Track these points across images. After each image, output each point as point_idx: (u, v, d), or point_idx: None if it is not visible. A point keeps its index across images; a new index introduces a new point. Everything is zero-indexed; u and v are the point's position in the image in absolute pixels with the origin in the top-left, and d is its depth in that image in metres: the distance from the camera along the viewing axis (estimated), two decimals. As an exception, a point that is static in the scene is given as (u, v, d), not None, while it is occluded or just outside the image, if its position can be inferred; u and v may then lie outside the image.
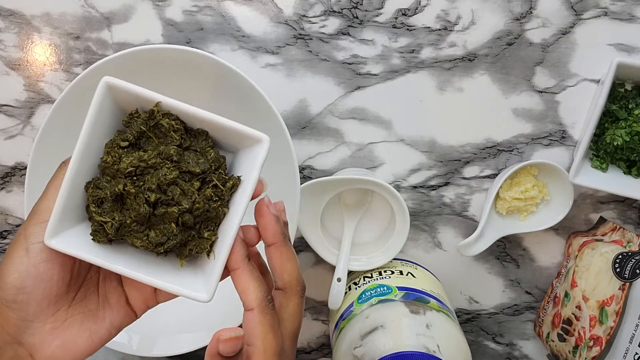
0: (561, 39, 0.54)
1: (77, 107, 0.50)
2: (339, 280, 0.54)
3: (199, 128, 0.34)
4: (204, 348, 0.52)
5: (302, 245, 0.60)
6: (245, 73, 0.47)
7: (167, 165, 0.32)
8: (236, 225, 0.32)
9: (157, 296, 0.36)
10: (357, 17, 0.55)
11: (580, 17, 0.54)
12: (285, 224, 0.37)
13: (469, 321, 0.62)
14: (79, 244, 0.32)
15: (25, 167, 0.55)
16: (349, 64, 0.56)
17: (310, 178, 0.58)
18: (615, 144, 0.51)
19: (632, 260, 0.49)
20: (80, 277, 0.34)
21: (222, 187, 0.33)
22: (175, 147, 0.33)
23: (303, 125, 0.57)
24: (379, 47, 0.55)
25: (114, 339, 0.52)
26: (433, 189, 0.58)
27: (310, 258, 0.60)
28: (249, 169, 0.33)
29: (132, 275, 0.32)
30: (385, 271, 0.54)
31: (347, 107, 0.57)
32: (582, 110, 0.55)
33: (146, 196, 0.32)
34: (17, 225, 0.61)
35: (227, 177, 0.34)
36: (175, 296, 0.34)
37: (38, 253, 0.31)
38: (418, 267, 0.57)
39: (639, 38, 0.53)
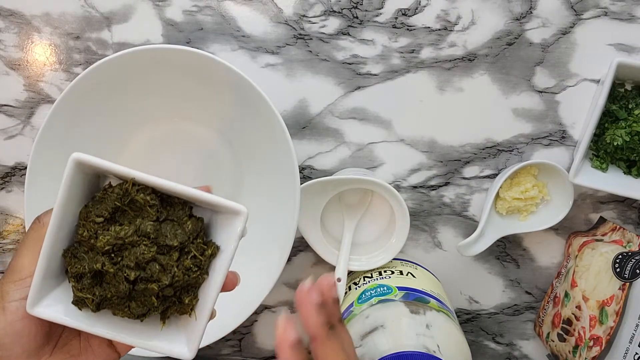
0: (561, 39, 0.54)
1: (77, 107, 0.50)
2: (339, 280, 0.54)
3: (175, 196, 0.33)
4: (204, 348, 0.53)
5: (302, 245, 0.60)
6: (245, 73, 0.47)
7: (144, 242, 0.32)
8: (215, 294, 0.33)
9: None
10: (357, 17, 0.55)
11: (580, 17, 0.54)
12: (335, 301, 0.33)
13: (469, 321, 0.62)
14: (61, 309, 0.32)
15: (25, 167, 0.55)
16: (349, 64, 0.56)
17: (310, 178, 0.58)
18: (615, 144, 0.51)
19: (632, 260, 0.49)
20: (59, 327, 0.34)
21: (200, 257, 0.33)
22: (151, 223, 0.32)
23: (303, 125, 0.57)
24: (379, 47, 0.55)
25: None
26: (433, 189, 0.58)
27: (310, 258, 0.60)
28: (227, 239, 0.33)
29: (118, 338, 0.33)
30: (385, 271, 0.54)
31: (347, 107, 0.57)
32: (582, 110, 0.55)
33: (125, 274, 0.32)
34: (17, 225, 0.61)
35: (205, 246, 0.33)
36: None
37: (14, 312, 0.31)
38: (418, 267, 0.57)
39: (639, 38, 0.53)
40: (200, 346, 0.51)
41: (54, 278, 0.33)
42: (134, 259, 0.32)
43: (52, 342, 0.34)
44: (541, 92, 0.55)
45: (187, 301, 0.33)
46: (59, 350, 0.34)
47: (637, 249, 0.51)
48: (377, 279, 0.53)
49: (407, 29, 0.55)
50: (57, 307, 0.32)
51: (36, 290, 0.31)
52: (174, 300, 0.34)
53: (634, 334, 0.47)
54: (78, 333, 0.35)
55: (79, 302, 0.33)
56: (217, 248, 0.33)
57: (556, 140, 0.56)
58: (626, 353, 0.47)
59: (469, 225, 0.59)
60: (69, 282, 0.33)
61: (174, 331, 0.34)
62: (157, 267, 0.32)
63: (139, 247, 0.32)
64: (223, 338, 0.51)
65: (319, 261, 0.60)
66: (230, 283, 0.35)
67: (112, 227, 0.32)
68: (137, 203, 0.32)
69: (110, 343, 0.36)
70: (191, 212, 0.34)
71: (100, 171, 0.32)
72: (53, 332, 0.34)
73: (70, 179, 0.31)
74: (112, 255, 0.32)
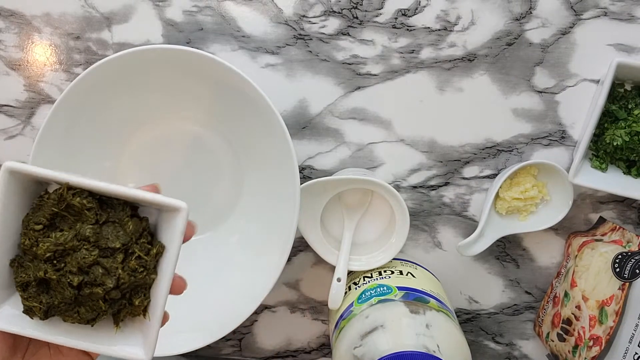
0: (561, 39, 0.54)
1: (77, 107, 0.50)
2: (338, 280, 0.54)
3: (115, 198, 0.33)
4: (204, 348, 0.53)
5: (302, 245, 0.60)
6: (245, 73, 0.47)
7: (85, 247, 0.32)
8: (165, 292, 0.32)
9: None
10: (357, 18, 0.55)
11: (580, 17, 0.54)
12: None
13: (469, 321, 0.62)
14: (14, 319, 0.32)
15: (26, 167, 0.55)
16: (349, 64, 0.56)
17: (310, 178, 0.58)
18: (614, 144, 0.51)
19: (632, 260, 0.49)
20: (24, 338, 0.34)
21: (145, 257, 0.33)
22: (90, 226, 0.32)
23: (303, 125, 0.57)
24: (378, 47, 0.55)
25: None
26: (433, 189, 0.58)
27: (310, 258, 0.60)
28: (171, 237, 0.33)
29: (72, 344, 0.32)
30: (385, 271, 0.55)
31: (347, 107, 0.57)
32: (582, 111, 0.55)
33: (69, 280, 0.31)
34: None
35: (150, 245, 0.33)
36: None
37: None
38: (418, 267, 0.57)
39: (638, 38, 0.53)
40: (200, 346, 0.51)
41: (5, 289, 0.33)
42: (75, 264, 0.31)
43: (20, 353, 0.33)
44: (541, 92, 0.55)
45: (137, 302, 0.33)
46: (30, 358, 0.34)
47: (636, 249, 0.51)
48: (377, 279, 0.53)
49: (407, 29, 0.55)
50: (9, 318, 0.32)
51: None
52: (124, 302, 0.33)
53: (633, 333, 0.47)
54: (46, 342, 0.34)
55: (28, 311, 0.32)
56: (163, 247, 0.33)
57: (556, 141, 0.56)
58: (626, 353, 0.47)
59: (468, 225, 0.59)
60: (18, 292, 0.33)
61: (129, 334, 0.34)
62: (101, 270, 0.32)
63: (80, 251, 0.32)
64: (223, 338, 0.52)
65: (319, 261, 0.60)
66: (177, 287, 0.34)
67: (52, 233, 0.32)
68: (75, 207, 0.32)
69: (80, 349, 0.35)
70: (133, 212, 0.34)
71: (37, 179, 0.32)
72: (19, 344, 0.33)
73: (4, 188, 0.31)
74: (55, 262, 0.32)
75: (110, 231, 0.32)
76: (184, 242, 0.33)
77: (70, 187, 0.32)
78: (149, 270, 0.33)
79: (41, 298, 0.32)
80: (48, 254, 0.31)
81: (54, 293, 0.32)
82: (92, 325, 0.33)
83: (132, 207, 0.34)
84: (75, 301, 0.32)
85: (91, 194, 0.32)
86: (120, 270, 0.32)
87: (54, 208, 0.32)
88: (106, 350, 0.33)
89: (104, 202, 0.33)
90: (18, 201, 0.32)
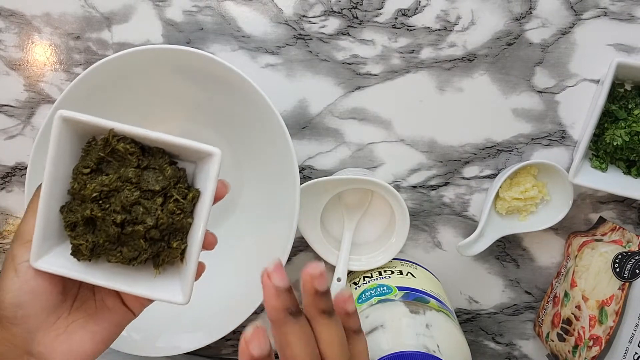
0: (561, 39, 0.54)
1: (77, 107, 0.50)
2: (338, 280, 0.54)
3: (155, 147, 0.35)
4: (204, 348, 0.53)
5: (302, 245, 0.60)
6: (245, 73, 0.47)
7: (128, 188, 0.35)
8: (200, 235, 0.34)
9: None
10: (357, 17, 0.55)
11: (580, 17, 0.54)
12: (317, 293, 0.30)
13: (469, 321, 0.62)
14: (61, 262, 0.35)
15: (26, 167, 0.55)
16: (349, 64, 0.56)
17: (310, 178, 0.58)
18: (614, 144, 0.51)
19: (632, 260, 0.49)
20: (74, 286, 0.36)
21: (182, 201, 0.35)
22: (133, 169, 0.35)
23: (303, 125, 0.57)
24: (378, 47, 0.55)
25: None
26: (433, 189, 0.58)
27: (310, 258, 0.60)
28: (205, 183, 0.35)
29: (113, 286, 0.35)
30: (385, 271, 0.55)
31: (347, 107, 0.57)
32: (582, 111, 0.55)
33: (113, 218, 0.34)
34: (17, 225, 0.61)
35: (187, 190, 0.35)
36: None
37: (26, 271, 0.34)
38: (418, 267, 0.57)
39: (638, 38, 0.53)
40: (200, 346, 0.51)
41: (56, 236, 0.35)
42: (119, 203, 0.34)
43: (69, 302, 0.36)
44: (541, 92, 0.55)
45: (175, 245, 0.35)
46: (77, 310, 0.36)
47: (636, 249, 0.51)
48: (377, 279, 0.53)
49: (407, 29, 0.55)
50: (57, 261, 0.35)
51: (37, 245, 0.34)
52: (164, 245, 0.36)
53: (633, 333, 0.47)
54: (92, 293, 0.37)
55: (76, 252, 0.35)
56: (198, 192, 0.35)
57: (556, 140, 0.56)
58: (626, 353, 0.47)
59: (468, 225, 0.59)
60: (66, 233, 0.35)
61: (168, 279, 0.36)
62: (141, 209, 0.34)
63: (123, 192, 0.35)
64: (223, 338, 0.52)
65: (319, 261, 0.60)
66: (208, 242, 0.36)
67: (98, 177, 0.35)
68: (119, 152, 0.35)
69: (123, 303, 0.37)
70: (171, 161, 0.36)
71: (87, 127, 0.34)
72: (68, 292, 0.36)
73: (58, 137, 0.33)
74: (100, 202, 0.35)
75: (151, 175, 0.35)
76: (216, 201, 0.35)
77: (115, 134, 0.34)
78: (185, 214, 0.35)
79: (87, 237, 0.35)
80: (94, 194, 0.34)
81: (99, 232, 0.35)
82: (133, 265, 0.36)
83: (170, 159, 0.36)
84: (118, 240, 0.35)
85: (134, 141, 0.35)
86: (159, 211, 0.35)
87: (101, 153, 0.35)
88: (146, 293, 0.35)
89: (145, 150, 0.35)
90: (68, 150, 0.35)
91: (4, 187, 0.60)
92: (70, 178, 0.35)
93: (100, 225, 0.35)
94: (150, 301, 0.38)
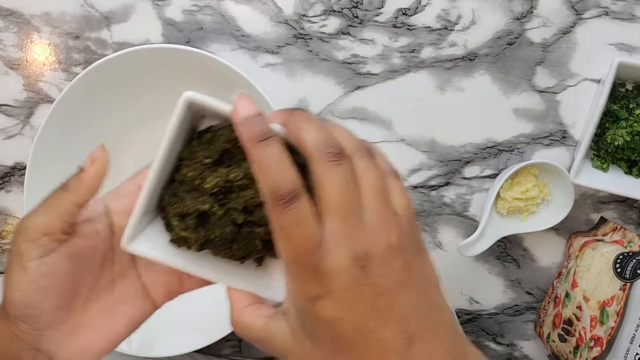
0: (562, 38, 0.54)
1: (76, 106, 0.50)
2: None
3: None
4: (204, 348, 0.52)
5: (302, 246, 0.60)
6: (245, 73, 0.47)
7: (254, 186, 0.31)
8: None
9: (181, 286, 0.35)
10: (357, 17, 0.55)
11: (581, 17, 0.53)
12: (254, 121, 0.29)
13: (470, 321, 0.62)
14: (156, 246, 0.32)
15: (25, 167, 0.55)
16: (349, 63, 0.56)
17: (311, 178, 0.57)
18: (616, 143, 0.51)
19: (633, 260, 0.49)
20: (87, 279, 0.34)
21: None
22: None
23: (303, 125, 0.57)
24: (379, 46, 0.55)
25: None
26: (433, 189, 0.58)
27: (311, 258, 0.60)
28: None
29: (215, 279, 0.32)
30: (385, 271, 0.54)
31: (347, 107, 0.57)
32: (583, 110, 0.55)
33: (232, 217, 0.31)
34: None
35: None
36: (201, 287, 0.34)
37: (36, 270, 0.31)
38: (418, 267, 0.56)
39: (639, 38, 0.53)
40: (200, 346, 0.51)
41: (150, 214, 0.33)
42: (242, 202, 0.31)
43: (82, 296, 0.33)
44: (542, 91, 0.55)
45: None
46: (91, 305, 0.34)
47: (638, 249, 0.51)
48: (377, 279, 0.53)
49: (408, 29, 0.55)
50: (152, 244, 0.32)
51: (134, 227, 0.31)
52: (272, 244, 0.32)
53: (634, 334, 0.47)
54: (111, 285, 0.35)
55: (178, 241, 0.32)
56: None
57: (557, 140, 0.56)
58: (627, 353, 0.47)
59: (469, 225, 0.59)
60: (171, 221, 0.32)
61: (266, 273, 0.34)
62: (265, 212, 0.30)
63: (248, 190, 0.31)
64: (223, 338, 0.51)
65: (319, 261, 0.60)
66: None
67: (219, 168, 0.31)
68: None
69: (146, 294, 0.35)
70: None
71: (207, 112, 0.32)
72: (81, 286, 0.33)
73: (179, 119, 0.31)
74: (221, 197, 0.31)
75: None
76: None
77: None
78: None
79: (199, 230, 0.32)
80: (216, 189, 0.31)
81: (213, 228, 0.32)
82: (241, 262, 0.33)
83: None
84: (232, 239, 0.32)
85: None
86: None
87: (227, 144, 0.32)
88: (247, 287, 0.32)
89: None
90: (182, 133, 0.32)
91: (2, 187, 0.60)
92: (182, 162, 0.32)
93: (216, 221, 0.31)
94: (178, 293, 0.36)
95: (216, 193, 0.31)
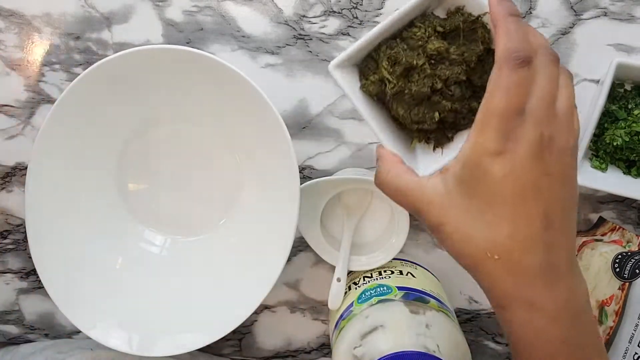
0: (561, 39, 0.54)
1: (77, 107, 0.50)
2: (338, 280, 0.54)
3: None
4: (204, 348, 0.53)
5: (302, 245, 0.60)
6: (245, 73, 0.47)
7: (462, 67, 0.36)
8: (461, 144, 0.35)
9: None
10: (357, 17, 0.55)
11: (580, 18, 0.54)
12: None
13: (469, 321, 0.62)
14: (348, 83, 0.39)
15: (26, 167, 0.55)
16: (349, 64, 0.56)
17: (310, 178, 0.58)
18: (614, 144, 0.51)
19: (632, 260, 0.49)
20: None
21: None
22: (477, 56, 0.36)
23: (303, 125, 0.57)
24: (378, 47, 0.55)
25: (113, 339, 0.52)
26: (433, 189, 0.58)
27: (310, 258, 0.60)
28: None
29: (382, 137, 0.38)
30: (385, 271, 0.55)
31: (347, 107, 0.57)
32: (582, 111, 0.55)
33: (434, 81, 0.36)
34: (18, 225, 0.61)
35: None
36: None
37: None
38: (418, 267, 0.57)
39: (638, 38, 0.53)
40: (200, 346, 0.51)
41: (354, 61, 0.39)
42: (447, 73, 0.36)
43: None
44: (541, 92, 0.55)
45: (449, 135, 0.38)
46: None
47: (636, 249, 0.51)
48: (377, 279, 0.53)
49: (407, 29, 0.55)
50: (347, 79, 0.39)
51: (344, 57, 0.38)
52: (441, 129, 0.38)
53: (633, 334, 0.47)
54: None
55: (369, 85, 0.38)
56: None
57: (556, 141, 0.56)
58: (625, 353, 0.47)
59: (468, 225, 0.59)
60: (382, 62, 0.37)
61: (414, 154, 0.39)
62: (459, 91, 0.36)
63: (457, 67, 0.36)
64: (223, 338, 0.52)
65: (319, 261, 0.60)
66: None
67: (443, 40, 0.36)
68: (474, 34, 0.36)
69: None
70: None
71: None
72: None
73: None
74: (432, 62, 0.36)
75: (484, 75, 0.36)
76: None
77: (481, 19, 0.36)
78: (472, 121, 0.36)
79: (401, 79, 0.37)
80: (433, 53, 0.36)
81: (410, 84, 0.37)
82: (411, 127, 0.38)
83: None
84: (418, 100, 0.37)
85: (490, 31, 0.36)
86: (468, 105, 0.36)
87: (461, 24, 0.36)
88: (399, 152, 0.37)
89: (491, 53, 0.37)
90: (423, 5, 0.37)
91: (4, 187, 0.60)
92: (415, 23, 0.37)
93: (417, 79, 0.36)
94: None
95: (431, 56, 0.36)
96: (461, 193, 0.32)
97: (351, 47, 0.37)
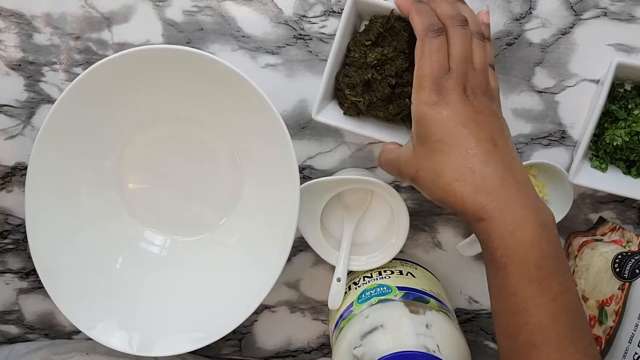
0: (561, 39, 0.54)
1: (77, 107, 0.50)
2: (338, 280, 0.54)
3: None
4: (204, 348, 0.53)
5: (302, 245, 0.60)
6: (245, 73, 0.47)
7: (401, 57, 0.46)
8: None
9: None
10: (357, 18, 0.55)
11: (580, 18, 0.54)
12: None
13: (469, 321, 0.62)
14: (335, 117, 0.50)
15: (26, 167, 0.55)
16: (349, 64, 0.56)
17: (310, 178, 0.58)
18: (614, 144, 0.51)
19: (632, 260, 0.49)
20: None
21: None
22: (406, 42, 0.45)
23: (303, 125, 0.57)
24: (378, 47, 0.55)
25: (114, 339, 0.52)
26: (433, 189, 0.58)
27: (310, 258, 0.60)
28: None
29: (376, 136, 0.49)
30: (385, 271, 0.55)
31: (347, 107, 0.57)
32: (582, 111, 0.55)
33: (388, 81, 0.46)
34: (18, 225, 0.61)
35: None
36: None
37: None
38: (418, 267, 0.57)
39: (638, 38, 0.53)
40: (200, 346, 0.51)
41: (328, 98, 0.49)
42: (394, 69, 0.46)
43: None
44: (541, 92, 0.55)
45: None
46: None
47: (636, 249, 0.51)
48: (377, 279, 0.53)
49: (407, 29, 0.55)
50: (333, 115, 0.50)
51: (319, 103, 0.48)
52: None
53: (633, 333, 0.47)
54: None
55: (349, 109, 0.49)
56: None
57: (556, 141, 0.56)
58: (625, 353, 0.47)
59: (469, 225, 0.59)
60: (345, 92, 0.48)
61: (402, 132, 0.50)
62: (410, 75, 0.44)
63: (397, 60, 0.46)
64: (223, 338, 0.52)
65: (319, 261, 0.60)
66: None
67: (376, 48, 0.46)
68: (395, 29, 0.46)
69: None
70: None
71: (368, 7, 0.46)
72: None
73: (347, 16, 0.46)
74: (378, 68, 0.46)
75: None
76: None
77: (393, 15, 0.45)
78: None
79: (365, 95, 0.47)
80: (374, 62, 0.46)
81: (374, 92, 0.47)
82: (396, 119, 0.49)
83: None
84: (388, 99, 0.47)
85: (405, 20, 0.45)
86: None
87: (381, 29, 0.46)
88: (392, 139, 0.49)
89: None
90: (349, 28, 0.47)
91: (4, 187, 0.60)
92: (350, 49, 0.47)
93: (376, 87, 0.46)
94: None
95: (375, 65, 0.46)
96: (422, 144, 0.41)
97: (318, 94, 0.47)
